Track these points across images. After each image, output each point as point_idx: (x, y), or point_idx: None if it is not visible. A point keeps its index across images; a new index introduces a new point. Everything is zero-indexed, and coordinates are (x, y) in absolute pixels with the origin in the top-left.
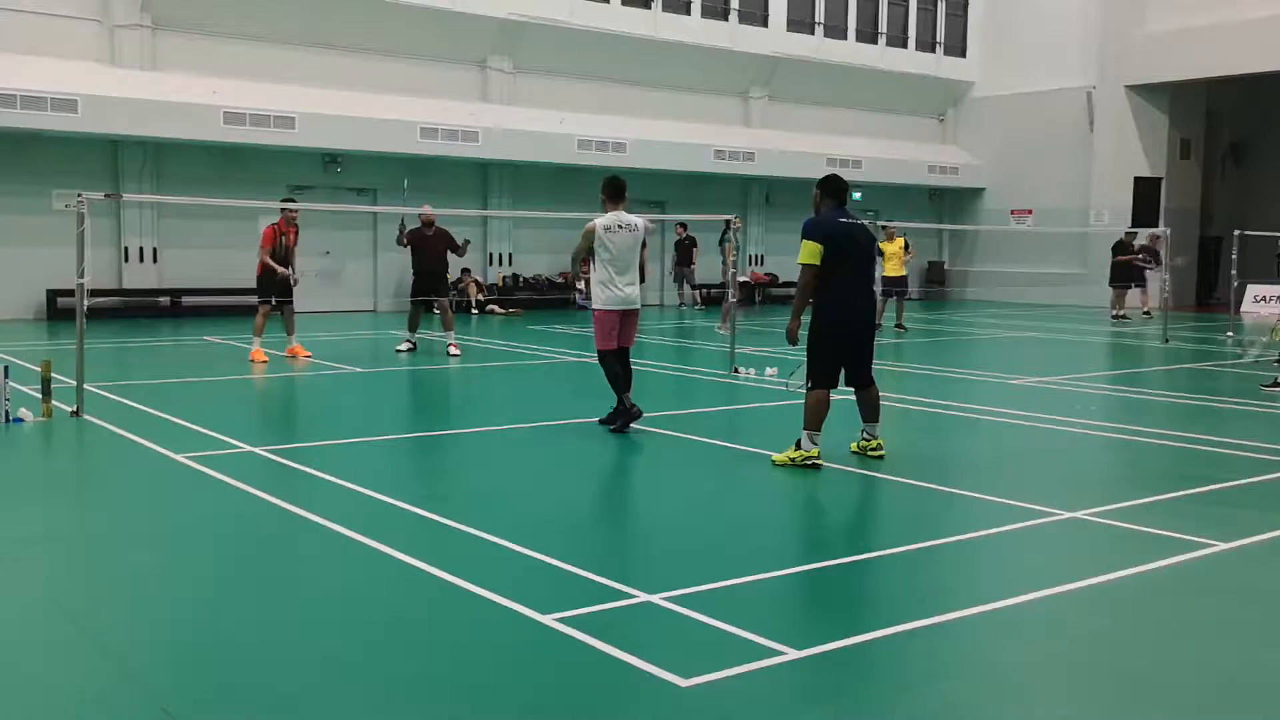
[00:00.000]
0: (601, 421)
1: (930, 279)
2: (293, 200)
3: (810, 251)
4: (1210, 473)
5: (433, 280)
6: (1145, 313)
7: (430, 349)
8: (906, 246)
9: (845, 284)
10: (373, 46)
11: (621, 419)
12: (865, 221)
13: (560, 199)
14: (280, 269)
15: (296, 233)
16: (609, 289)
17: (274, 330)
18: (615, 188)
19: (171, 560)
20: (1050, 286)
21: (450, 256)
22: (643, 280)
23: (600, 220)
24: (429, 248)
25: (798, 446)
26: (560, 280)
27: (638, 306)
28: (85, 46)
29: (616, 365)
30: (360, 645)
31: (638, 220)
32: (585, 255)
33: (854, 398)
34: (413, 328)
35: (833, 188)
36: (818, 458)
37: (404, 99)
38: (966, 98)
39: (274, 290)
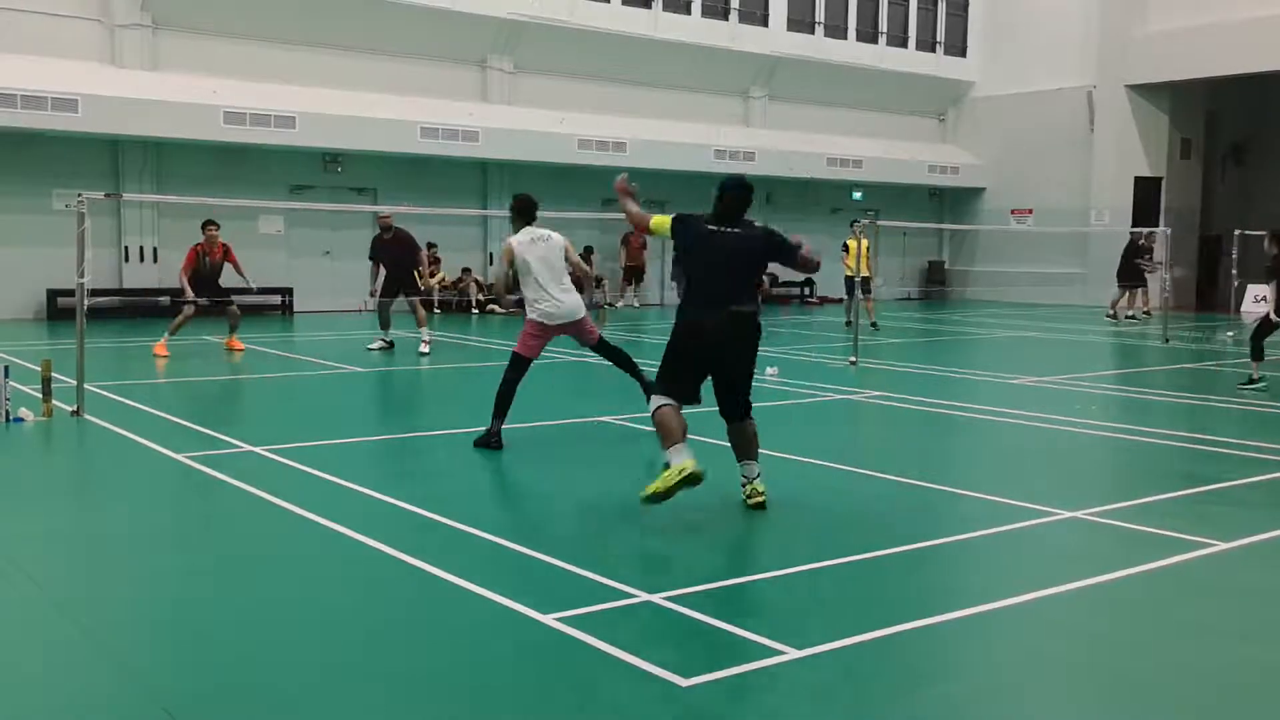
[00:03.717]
0: (476, 444)
1: (930, 279)
2: (214, 224)
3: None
4: (1210, 473)
5: (394, 281)
6: (1145, 312)
7: (435, 348)
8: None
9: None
10: (373, 46)
11: (483, 442)
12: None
13: (560, 199)
14: (191, 296)
15: (224, 251)
16: (538, 304)
17: (276, 330)
18: (526, 207)
19: (172, 560)
20: (1050, 286)
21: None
22: (598, 283)
23: (515, 238)
24: (385, 254)
25: (666, 468)
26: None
27: (580, 317)
28: (85, 46)
29: (517, 382)
30: (360, 645)
31: (553, 233)
32: (510, 276)
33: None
34: (383, 326)
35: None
36: (693, 468)
37: (404, 99)
38: (966, 98)
39: (205, 291)
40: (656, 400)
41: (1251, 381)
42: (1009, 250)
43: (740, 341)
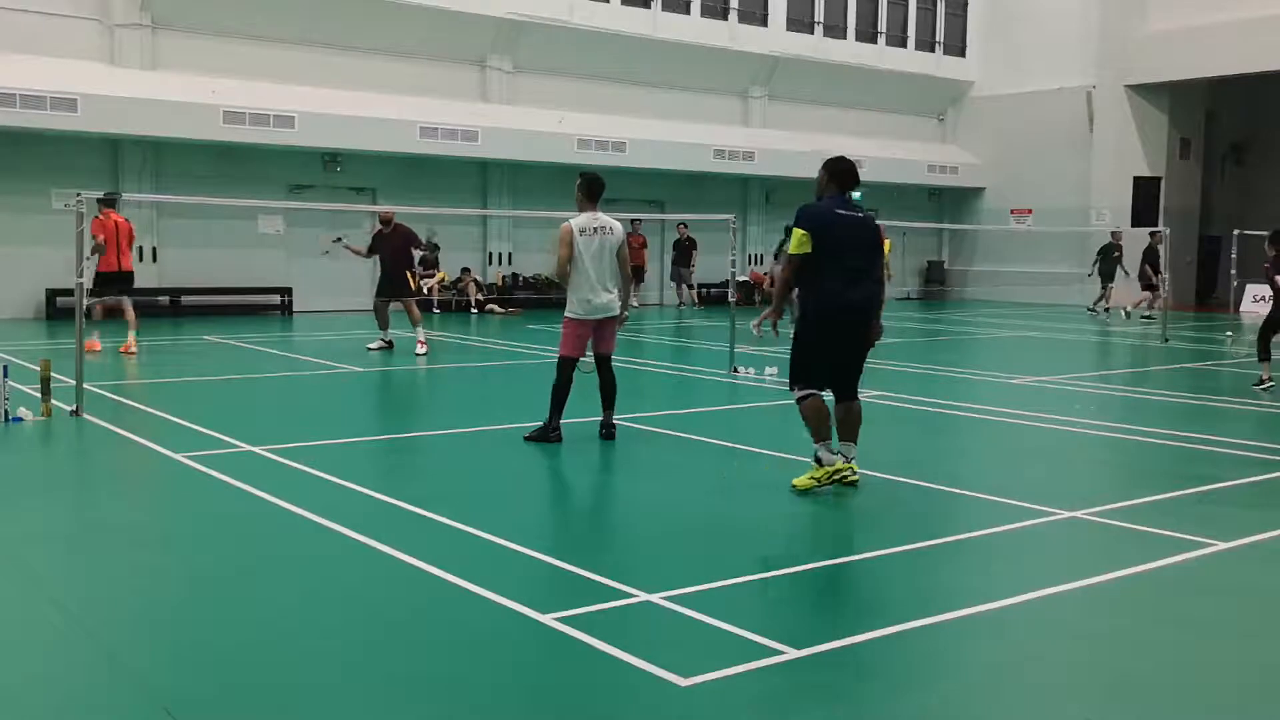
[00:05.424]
0: (527, 438)
1: (930, 279)
2: (110, 197)
3: (797, 240)
4: (1210, 473)
5: (390, 281)
6: (1140, 306)
7: (434, 348)
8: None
9: (836, 275)
10: (373, 46)
11: (539, 436)
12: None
13: (560, 199)
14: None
15: (117, 226)
16: (580, 294)
17: (275, 330)
18: (595, 189)
19: (171, 559)
20: (1050, 286)
21: (433, 251)
22: (639, 281)
23: (574, 223)
24: (385, 247)
25: (818, 464)
26: (559, 280)
27: (614, 313)
28: (85, 46)
29: (569, 381)
30: (360, 645)
31: (615, 224)
32: (569, 261)
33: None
34: (381, 326)
35: (837, 170)
36: (844, 470)
37: (404, 99)
38: (966, 97)
39: (113, 287)
40: (803, 391)
41: (1261, 382)
42: (1008, 250)
43: (864, 322)
